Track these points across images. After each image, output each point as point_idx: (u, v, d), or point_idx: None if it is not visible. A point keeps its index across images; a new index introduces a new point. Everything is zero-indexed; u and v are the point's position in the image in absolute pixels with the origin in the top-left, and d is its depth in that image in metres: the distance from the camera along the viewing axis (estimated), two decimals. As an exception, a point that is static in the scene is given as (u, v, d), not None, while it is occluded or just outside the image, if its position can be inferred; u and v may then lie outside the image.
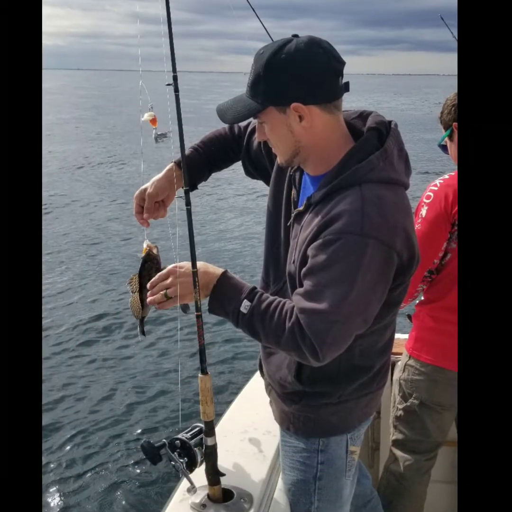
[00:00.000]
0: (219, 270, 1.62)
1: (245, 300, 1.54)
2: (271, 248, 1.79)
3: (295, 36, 1.51)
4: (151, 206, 1.83)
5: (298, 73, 1.46)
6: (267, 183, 1.86)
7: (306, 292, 1.48)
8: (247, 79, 1.54)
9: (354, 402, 1.71)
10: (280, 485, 1.82)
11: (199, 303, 1.56)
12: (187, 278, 1.57)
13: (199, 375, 1.62)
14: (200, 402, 1.60)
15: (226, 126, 1.94)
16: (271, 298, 1.56)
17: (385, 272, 1.47)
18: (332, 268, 1.44)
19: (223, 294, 1.58)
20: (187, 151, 1.85)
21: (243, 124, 1.93)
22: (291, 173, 1.72)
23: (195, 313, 1.59)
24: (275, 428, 1.89)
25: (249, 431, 2.08)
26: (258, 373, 2.08)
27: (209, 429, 1.61)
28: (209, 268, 1.62)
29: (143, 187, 1.85)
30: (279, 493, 1.79)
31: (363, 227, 1.40)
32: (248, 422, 2.15)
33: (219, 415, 2.16)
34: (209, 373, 1.62)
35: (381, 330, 1.66)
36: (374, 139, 1.54)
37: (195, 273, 1.55)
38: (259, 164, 1.92)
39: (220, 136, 1.96)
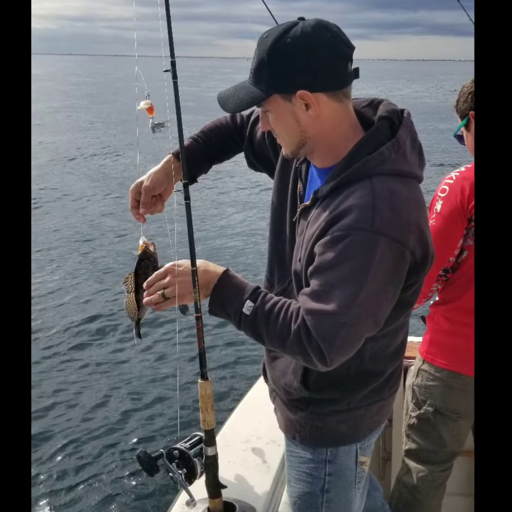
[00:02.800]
0: (220, 269, 1.62)
1: (248, 301, 1.54)
2: (276, 245, 1.79)
3: (301, 19, 1.51)
4: (148, 200, 1.83)
5: (304, 58, 1.46)
6: (271, 176, 1.86)
7: (313, 292, 1.48)
8: (250, 64, 1.53)
9: (364, 409, 1.71)
10: (285, 498, 1.83)
11: (199, 304, 1.56)
12: (186, 277, 1.57)
13: (199, 380, 1.62)
14: (200, 409, 1.60)
15: (227, 115, 1.94)
16: (276, 298, 1.56)
17: (397, 271, 1.47)
18: (340, 267, 1.44)
19: (224, 294, 1.58)
20: (186, 142, 1.85)
21: (245, 113, 1.93)
22: (297, 165, 1.72)
23: (195, 314, 1.59)
24: (280, 437, 1.89)
25: (252, 440, 2.09)
26: (261, 379, 2.08)
27: (210, 438, 1.61)
28: (210, 266, 1.63)
29: (139, 180, 1.85)
30: (284, 507, 1.80)
31: (374, 223, 1.41)
32: (251, 431, 2.16)
33: (220, 423, 2.16)
34: (209, 378, 1.62)
35: (393, 333, 1.65)
36: (385, 129, 1.54)
37: (194, 271, 1.55)
38: (262, 156, 1.92)
39: (221, 126, 1.96)
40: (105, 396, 5.68)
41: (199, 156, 1.91)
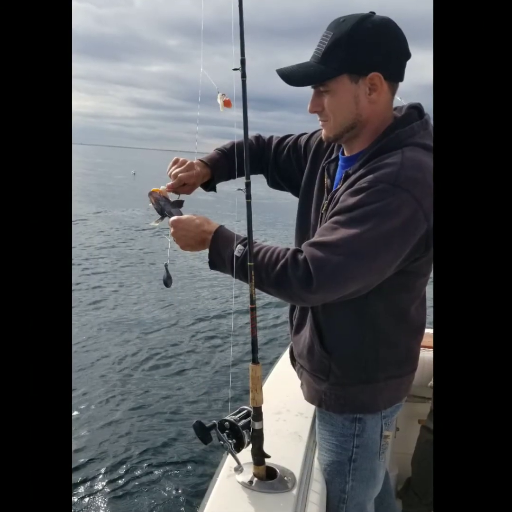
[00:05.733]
0: (216, 224, 1.70)
1: (239, 245, 1.62)
2: (302, 241, 1.81)
3: (373, 13, 1.58)
4: (179, 184, 1.92)
5: (382, 44, 1.56)
6: (295, 194, 1.97)
7: (320, 230, 1.56)
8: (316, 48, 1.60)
9: (383, 383, 1.76)
10: (316, 464, 1.93)
11: (253, 296, 1.64)
12: (184, 232, 1.70)
13: (250, 364, 1.70)
14: (250, 389, 1.70)
15: (252, 136, 2.06)
16: (266, 244, 1.63)
17: (407, 229, 1.49)
18: (354, 211, 1.50)
19: (219, 244, 1.66)
20: (213, 153, 2.02)
21: (266, 136, 2.08)
22: (324, 164, 1.81)
23: (250, 306, 1.67)
24: (306, 409, 2.13)
25: (283, 412, 2.20)
26: (279, 364, 2.49)
27: (257, 414, 1.71)
28: (210, 223, 1.70)
29: (189, 161, 1.96)
30: (316, 472, 1.90)
31: (397, 178, 1.48)
32: (280, 404, 2.25)
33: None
34: (259, 362, 1.70)
35: (404, 301, 1.70)
36: (414, 115, 1.66)
37: (251, 267, 1.58)
38: (287, 174, 2.02)
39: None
40: (168, 376, 6.39)
41: (224, 169, 2.01)
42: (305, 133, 2.02)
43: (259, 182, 2.01)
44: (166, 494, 4.25)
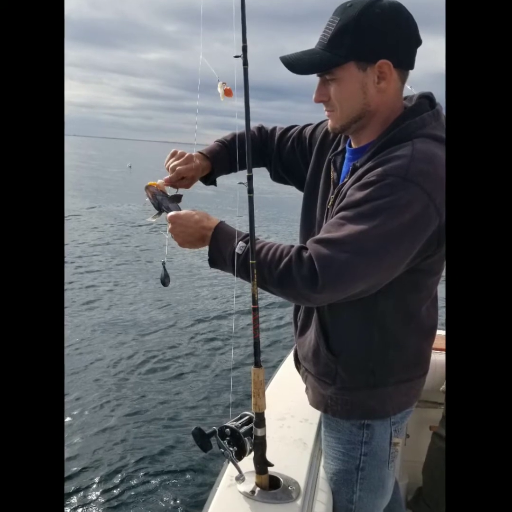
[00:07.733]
0: (216, 220, 1.70)
1: (240, 242, 1.62)
2: (307, 237, 1.82)
3: None
4: (177, 179, 1.94)
5: (392, 30, 1.55)
6: (299, 187, 1.98)
7: (327, 225, 1.55)
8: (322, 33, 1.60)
9: (392, 387, 1.75)
10: (321, 473, 1.94)
11: (256, 296, 1.64)
12: (183, 228, 1.71)
13: (253, 368, 1.70)
14: (252, 394, 1.70)
15: (254, 127, 2.07)
16: (269, 241, 1.63)
17: (418, 225, 1.48)
18: (363, 206, 1.49)
19: (219, 241, 1.66)
20: (214, 144, 2.02)
21: (269, 127, 2.08)
22: (330, 157, 1.81)
23: (252, 306, 1.66)
24: (312, 415, 2.13)
25: (287, 418, 2.20)
26: (282, 368, 2.47)
27: (260, 420, 1.71)
28: (210, 220, 1.71)
29: (188, 153, 1.97)
30: (322, 481, 1.91)
31: (408, 171, 1.47)
32: (284, 410, 2.25)
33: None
34: (262, 366, 1.71)
35: (415, 301, 1.70)
36: (425, 104, 1.65)
37: (253, 265, 1.59)
38: (291, 167, 2.03)
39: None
40: (165, 380, 6.41)
41: (224, 161, 2.01)
42: (310, 124, 2.02)
43: (261, 175, 2.01)
44: (163, 505, 4.26)
